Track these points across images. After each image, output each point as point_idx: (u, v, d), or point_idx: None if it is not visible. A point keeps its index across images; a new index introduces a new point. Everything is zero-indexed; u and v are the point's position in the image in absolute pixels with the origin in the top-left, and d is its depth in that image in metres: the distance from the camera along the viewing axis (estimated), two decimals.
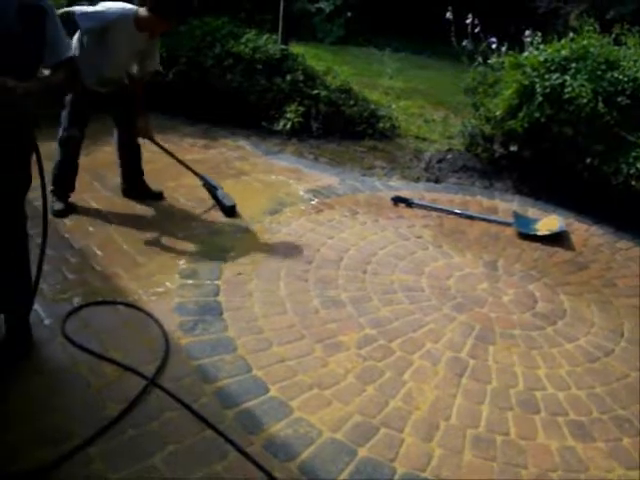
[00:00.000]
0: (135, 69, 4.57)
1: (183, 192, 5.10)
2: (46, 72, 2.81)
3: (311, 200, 5.20)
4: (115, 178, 4.98)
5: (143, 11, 4.21)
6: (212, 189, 4.96)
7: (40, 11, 2.62)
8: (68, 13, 4.08)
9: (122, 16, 4.17)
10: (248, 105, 6.94)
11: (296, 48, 8.24)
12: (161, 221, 4.60)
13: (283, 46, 7.62)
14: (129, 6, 4.29)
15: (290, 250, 4.33)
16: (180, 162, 5.03)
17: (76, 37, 4.28)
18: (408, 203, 5.27)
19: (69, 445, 2.59)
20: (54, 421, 2.73)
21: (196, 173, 5.03)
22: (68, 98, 4.40)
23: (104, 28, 4.16)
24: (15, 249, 3.02)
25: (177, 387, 2.97)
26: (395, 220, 4.97)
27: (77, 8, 4.17)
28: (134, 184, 4.92)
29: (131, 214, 4.66)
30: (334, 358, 3.30)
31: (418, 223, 4.97)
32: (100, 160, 5.41)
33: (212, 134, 6.63)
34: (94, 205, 4.71)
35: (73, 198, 4.64)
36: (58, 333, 3.25)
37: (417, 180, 5.94)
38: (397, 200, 5.29)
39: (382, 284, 4.03)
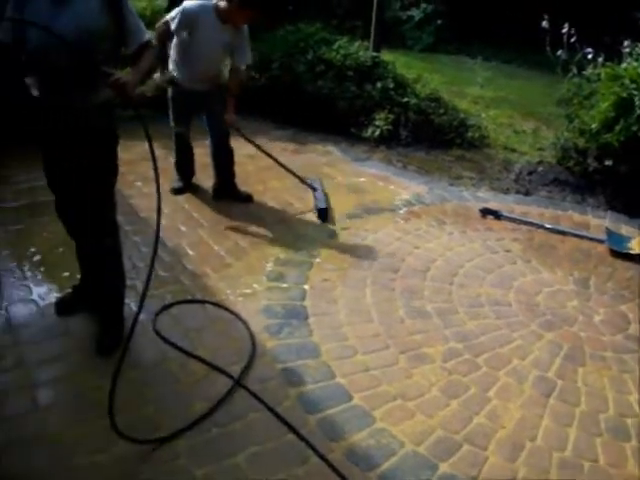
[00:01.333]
0: (228, 64, 4.74)
1: (271, 196, 5.18)
2: None
3: (398, 208, 5.17)
4: (206, 180, 5.10)
5: (222, 2, 4.40)
6: (311, 189, 5.11)
7: (118, 2, 2.84)
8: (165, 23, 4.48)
9: (201, 8, 4.40)
10: (337, 111, 6.97)
11: (386, 55, 8.22)
12: (249, 224, 4.67)
13: (374, 53, 7.63)
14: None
15: (376, 258, 4.32)
16: (273, 158, 5.21)
17: (174, 42, 4.54)
18: (497, 215, 5.17)
19: (157, 436, 2.70)
20: (146, 413, 2.83)
21: (292, 172, 5.21)
22: (169, 95, 4.78)
23: (189, 23, 4.39)
24: (106, 236, 3.19)
25: (262, 389, 3.01)
26: (483, 232, 4.88)
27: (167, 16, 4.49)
28: (225, 186, 5.04)
29: (221, 216, 4.76)
30: (418, 370, 3.27)
31: (507, 236, 4.86)
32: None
33: (301, 139, 6.69)
34: (186, 206, 4.83)
35: (168, 196, 4.78)
36: (150, 329, 3.36)
37: (506, 192, 5.81)
38: (485, 212, 5.20)
39: (469, 297, 3.96)
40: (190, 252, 4.14)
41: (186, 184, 5.15)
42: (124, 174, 3.22)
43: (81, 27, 2.73)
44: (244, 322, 3.48)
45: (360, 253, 4.37)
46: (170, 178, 4.94)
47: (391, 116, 6.89)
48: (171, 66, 4.67)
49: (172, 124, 4.92)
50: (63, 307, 3.48)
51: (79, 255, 3.46)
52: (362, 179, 5.76)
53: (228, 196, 5.02)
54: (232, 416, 2.85)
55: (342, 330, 3.52)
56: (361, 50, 7.52)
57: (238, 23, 4.50)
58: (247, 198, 5.06)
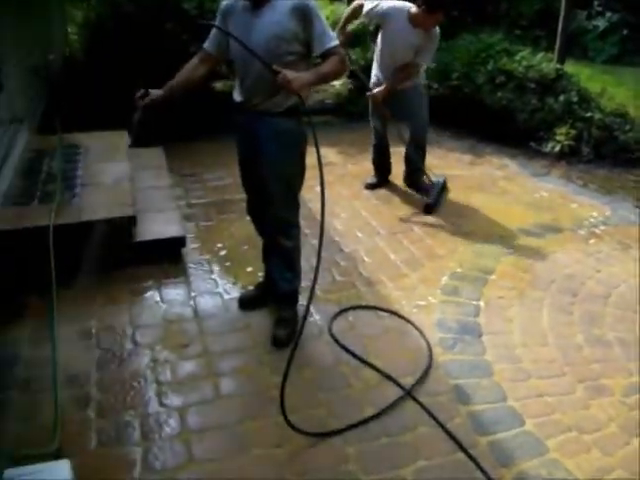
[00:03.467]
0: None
1: (451, 209, 5.14)
2: None
3: (579, 228, 4.93)
4: (384, 188, 5.17)
5: (413, 8, 4.81)
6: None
7: (307, 8, 2.95)
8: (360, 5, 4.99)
9: (396, 9, 4.87)
10: (516, 124, 6.78)
11: (569, 67, 7.88)
12: (426, 236, 4.67)
13: (558, 65, 7.33)
14: (404, 3, 4.92)
15: (554, 279, 4.14)
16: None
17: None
18: None
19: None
20: (317, 414, 2.89)
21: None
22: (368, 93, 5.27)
23: (380, 18, 4.95)
24: (288, 238, 3.33)
25: (432, 403, 2.98)
26: None
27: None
28: (412, 176, 5.43)
29: (396, 224, 4.80)
30: (596, 402, 3.09)
31: None
32: (370, 169, 5.64)
33: (478, 151, 6.58)
34: (363, 212, 4.92)
35: (345, 202, 4.89)
36: (325, 331, 3.45)
37: None
38: None
39: None
40: (366, 259, 4.19)
41: (380, 180, 5.58)
42: (305, 178, 3.32)
43: (270, 33, 2.95)
44: (422, 334, 3.47)
45: (537, 272, 4.21)
46: (348, 184, 5.06)
47: (573, 131, 6.60)
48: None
49: (370, 121, 5.44)
50: (246, 302, 3.66)
51: (265, 254, 3.61)
52: (540, 195, 5.56)
53: (414, 185, 5.42)
54: (402, 427, 2.84)
55: (516, 351, 3.41)
56: (544, 62, 7.25)
57: (427, 27, 4.83)
58: (428, 188, 5.31)
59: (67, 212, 3.93)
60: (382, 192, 5.21)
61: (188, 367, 3.17)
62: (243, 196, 5.11)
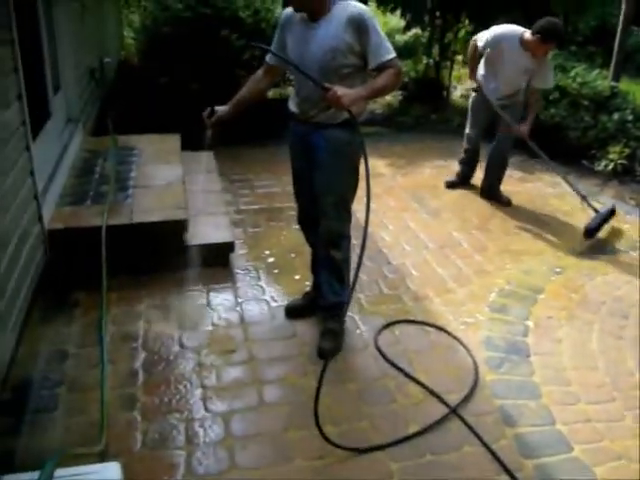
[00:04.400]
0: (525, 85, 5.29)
1: (501, 225, 5.07)
2: None
3: (631, 250, 4.82)
4: (433, 201, 5.13)
5: (527, 34, 4.99)
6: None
7: (362, 20, 2.93)
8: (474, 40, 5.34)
9: (508, 34, 5.09)
10: (568, 141, 6.67)
11: (623, 84, 7.74)
12: (475, 251, 4.62)
13: (613, 83, 7.21)
14: (516, 27, 5.12)
15: (605, 301, 4.05)
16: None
17: (484, 58, 5.34)
18: None
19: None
20: (361, 427, 2.87)
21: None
22: (470, 101, 5.68)
23: (494, 45, 5.13)
24: (338, 249, 3.32)
25: (478, 422, 2.93)
26: None
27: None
28: (490, 187, 5.59)
29: (444, 238, 4.78)
30: None
31: None
32: (419, 182, 5.63)
33: (528, 167, 6.48)
34: (411, 225, 4.89)
35: (393, 214, 4.87)
36: (371, 344, 3.43)
37: None
38: None
39: None
40: (414, 272, 4.17)
41: (461, 181, 5.86)
42: None
43: (326, 46, 2.96)
44: (469, 352, 3.43)
45: (588, 294, 4.12)
46: (396, 196, 5.04)
47: (627, 150, 6.48)
48: (479, 78, 5.43)
49: (467, 127, 5.70)
50: (292, 311, 3.67)
51: (314, 263, 3.62)
52: (592, 215, 5.45)
53: (491, 197, 5.56)
54: (447, 445, 2.80)
55: (565, 374, 3.33)
56: (599, 79, 7.14)
57: (538, 54, 5.01)
58: (507, 202, 5.49)
59: (119, 213, 3.99)
60: (432, 205, 5.17)
61: (233, 373, 3.19)
62: (291, 204, 5.14)
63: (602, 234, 5.03)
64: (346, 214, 3.32)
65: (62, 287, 3.77)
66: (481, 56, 5.36)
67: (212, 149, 3.34)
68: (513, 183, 5.92)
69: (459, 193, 5.74)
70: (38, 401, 2.93)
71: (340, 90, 2.82)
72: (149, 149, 5.14)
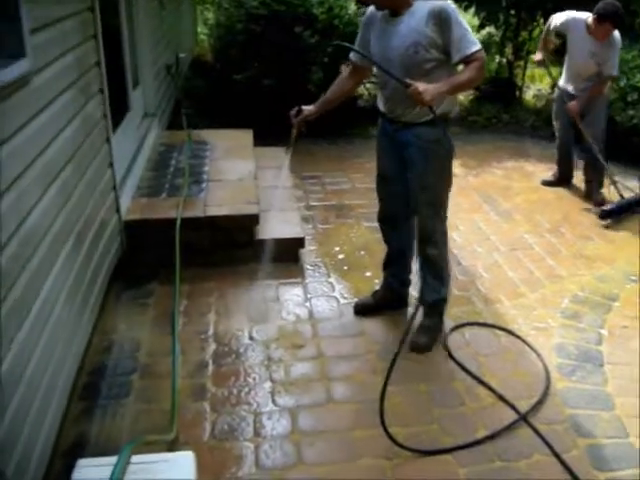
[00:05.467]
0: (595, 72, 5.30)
1: (575, 229, 4.97)
2: None
3: None
4: (504, 202, 5.04)
5: (590, 18, 5.08)
6: None
7: (444, 13, 2.89)
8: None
9: (575, 19, 5.23)
10: None
11: None
12: (547, 255, 4.52)
13: None
14: (584, 13, 5.21)
15: None
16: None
17: None
18: None
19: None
20: (430, 430, 2.84)
21: None
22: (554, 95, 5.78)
23: (563, 29, 5.34)
24: (434, 247, 3.29)
25: (548, 431, 2.85)
26: None
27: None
28: (590, 189, 5.59)
29: (516, 241, 4.70)
30: None
31: None
32: (490, 182, 5.54)
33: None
34: (482, 226, 4.82)
35: (465, 215, 4.81)
36: (441, 345, 3.40)
37: None
38: None
39: None
40: (484, 274, 4.11)
41: (559, 179, 5.84)
42: None
43: (408, 41, 2.94)
44: (540, 357, 3.35)
45: None
46: (467, 196, 4.98)
47: None
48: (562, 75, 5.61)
49: (554, 124, 5.77)
50: (361, 309, 3.66)
51: (387, 262, 3.62)
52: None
53: (587, 194, 5.57)
54: (517, 453, 2.74)
55: None
56: None
57: (598, 36, 5.07)
58: (598, 203, 5.37)
59: (193, 206, 4.07)
60: (503, 207, 5.08)
61: (302, 368, 3.21)
62: (361, 202, 5.19)
63: None
64: (441, 212, 3.29)
65: (137, 277, 3.87)
66: (549, 35, 5.54)
67: (294, 146, 3.36)
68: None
69: (531, 195, 5.61)
70: (111, 387, 3.02)
71: (421, 86, 2.79)
72: (222, 144, 5.22)
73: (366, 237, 4.55)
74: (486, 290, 3.93)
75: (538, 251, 4.57)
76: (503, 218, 5.02)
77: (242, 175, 4.57)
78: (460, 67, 3.05)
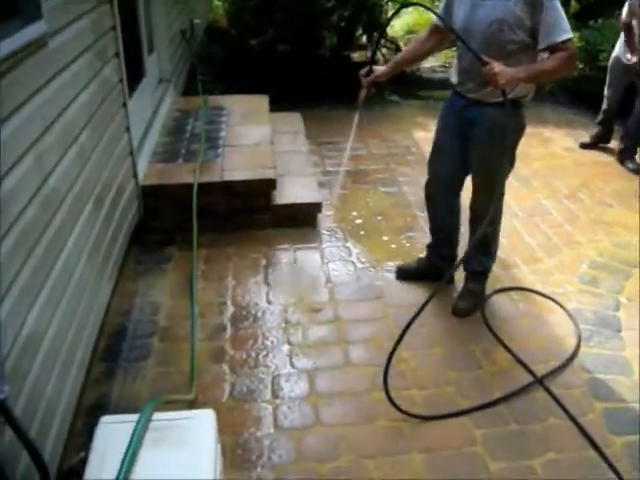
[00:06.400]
0: None
1: (587, 194, 4.93)
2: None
3: None
4: (523, 169, 4.99)
5: None
6: None
7: None
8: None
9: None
10: None
11: None
12: (565, 221, 4.49)
13: None
14: None
15: None
16: None
17: None
18: None
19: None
20: (447, 392, 2.87)
21: None
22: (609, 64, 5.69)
23: (628, 8, 5.25)
24: (490, 222, 3.16)
25: (565, 395, 2.87)
26: None
27: None
28: (624, 151, 5.59)
29: (535, 207, 4.69)
30: None
31: None
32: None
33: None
34: None
35: None
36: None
37: None
38: None
39: None
40: (502, 240, 4.04)
41: (594, 142, 5.90)
42: None
43: (493, 16, 2.78)
44: (573, 319, 3.38)
45: None
46: None
47: None
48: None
49: (605, 88, 5.74)
50: (403, 274, 3.67)
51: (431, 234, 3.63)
52: None
53: (621, 161, 5.55)
54: (532, 415, 2.76)
55: None
56: None
57: None
58: (634, 170, 5.40)
59: (210, 171, 4.07)
60: (523, 173, 5.02)
61: (319, 331, 3.23)
62: (378, 167, 5.17)
63: None
64: (498, 193, 3.15)
65: (155, 242, 3.89)
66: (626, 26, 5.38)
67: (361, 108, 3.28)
68: (601, 153, 5.75)
69: (550, 162, 5.56)
70: (131, 350, 3.06)
71: (498, 67, 2.68)
72: (238, 109, 5.19)
73: (383, 202, 4.54)
74: (504, 255, 3.90)
75: (556, 217, 4.54)
76: (521, 184, 4.97)
77: (258, 140, 4.55)
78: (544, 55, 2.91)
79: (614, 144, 5.83)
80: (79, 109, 2.82)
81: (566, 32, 2.76)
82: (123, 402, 2.73)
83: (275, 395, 2.81)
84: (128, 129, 3.73)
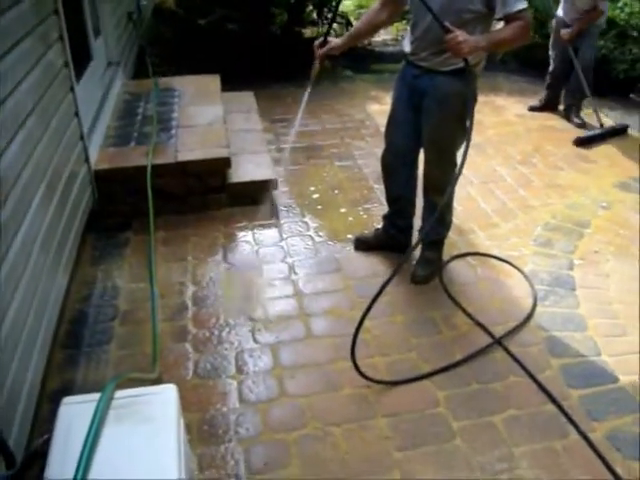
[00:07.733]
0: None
1: (540, 159, 5.01)
2: None
3: None
4: (477, 136, 5.00)
5: None
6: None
7: None
8: None
9: None
10: (615, 74, 6.49)
11: None
12: (519, 186, 4.58)
13: None
14: None
15: None
16: None
17: None
18: None
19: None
20: (409, 357, 2.92)
21: None
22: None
23: None
24: (442, 193, 3.14)
25: (523, 353, 2.95)
26: None
27: None
28: (569, 109, 5.87)
29: (489, 173, 4.76)
30: None
31: None
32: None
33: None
34: None
35: None
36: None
37: None
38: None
39: None
40: (458, 207, 4.10)
41: (545, 105, 6.08)
42: None
43: None
44: (529, 280, 3.46)
45: (635, 228, 4.05)
46: None
47: None
48: None
49: (550, 50, 5.92)
50: (360, 244, 3.71)
51: (393, 207, 3.63)
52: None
53: (567, 117, 5.86)
54: (493, 374, 2.83)
55: (611, 307, 3.30)
56: None
57: None
58: (578, 124, 5.72)
59: (164, 153, 4.03)
60: (477, 140, 5.00)
61: (280, 306, 3.25)
62: (333, 142, 5.17)
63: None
64: (450, 162, 3.21)
65: (111, 227, 3.85)
66: None
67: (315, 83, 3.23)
68: (556, 117, 5.84)
69: (502, 129, 5.64)
70: (93, 335, 3.04)
71: (462, 35, 2.66)
72: (190, 90, 5.14)
73: (339, 176, 4.56)
74: (460, 222, 3.96)
75: (510, 182, 4.62)
76: (475, 151, 5.01)
77: (211, 120, 4.51)
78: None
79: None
80: (24, 94, 2.76)
81: (521, 2, 2.79)
82: (88, 387, 2.71)
83: (239, 370, 2.82)
84: (77, 114, 3.67)
